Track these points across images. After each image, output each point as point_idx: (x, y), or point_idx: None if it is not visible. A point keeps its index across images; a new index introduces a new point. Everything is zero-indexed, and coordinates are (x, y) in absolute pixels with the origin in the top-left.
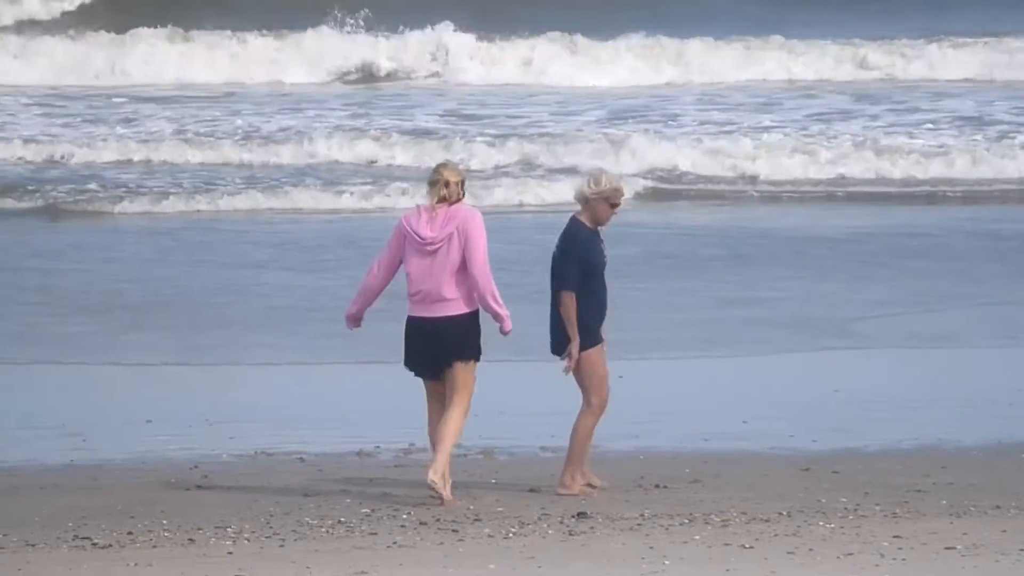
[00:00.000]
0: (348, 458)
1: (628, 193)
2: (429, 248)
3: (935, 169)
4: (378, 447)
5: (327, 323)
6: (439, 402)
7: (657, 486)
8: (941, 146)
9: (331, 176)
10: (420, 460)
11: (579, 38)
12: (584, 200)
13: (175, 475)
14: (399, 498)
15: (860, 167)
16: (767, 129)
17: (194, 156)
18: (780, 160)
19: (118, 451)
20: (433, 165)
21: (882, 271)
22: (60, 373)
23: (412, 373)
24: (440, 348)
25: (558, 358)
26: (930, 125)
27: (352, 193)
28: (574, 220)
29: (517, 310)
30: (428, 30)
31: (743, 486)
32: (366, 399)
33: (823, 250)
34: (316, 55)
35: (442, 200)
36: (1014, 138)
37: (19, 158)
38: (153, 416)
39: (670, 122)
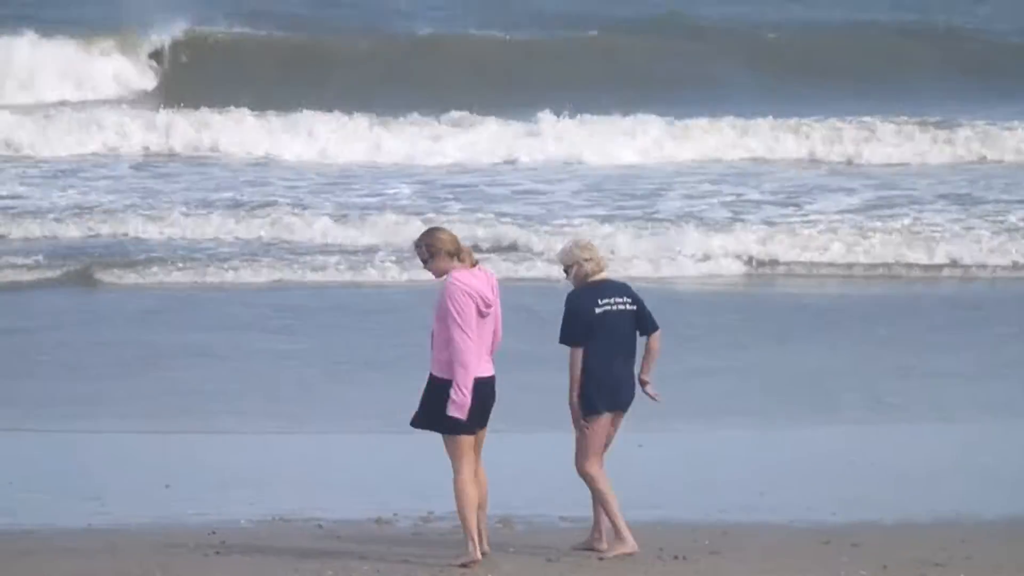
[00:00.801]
0: (366, 525)
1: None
2: (487, 311)
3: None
4: (396, 515)
5: (345, 390)
6: (474, 455)
7: (676, 557)
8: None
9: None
10: (438, 528)
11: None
12: None
13: (193, 540)
14: (416, 566)
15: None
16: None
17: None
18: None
19: (136, 515)
20: (427, 232)
21: (903, 343)
22: (79, 437)
23: (463, 433)
24: (491, 405)
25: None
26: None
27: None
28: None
29: (537, 379)
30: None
31: (762, 558)
32: (384, 466)
33: (845, 321)
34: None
35: (475, 263)
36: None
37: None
38: (171, 481)
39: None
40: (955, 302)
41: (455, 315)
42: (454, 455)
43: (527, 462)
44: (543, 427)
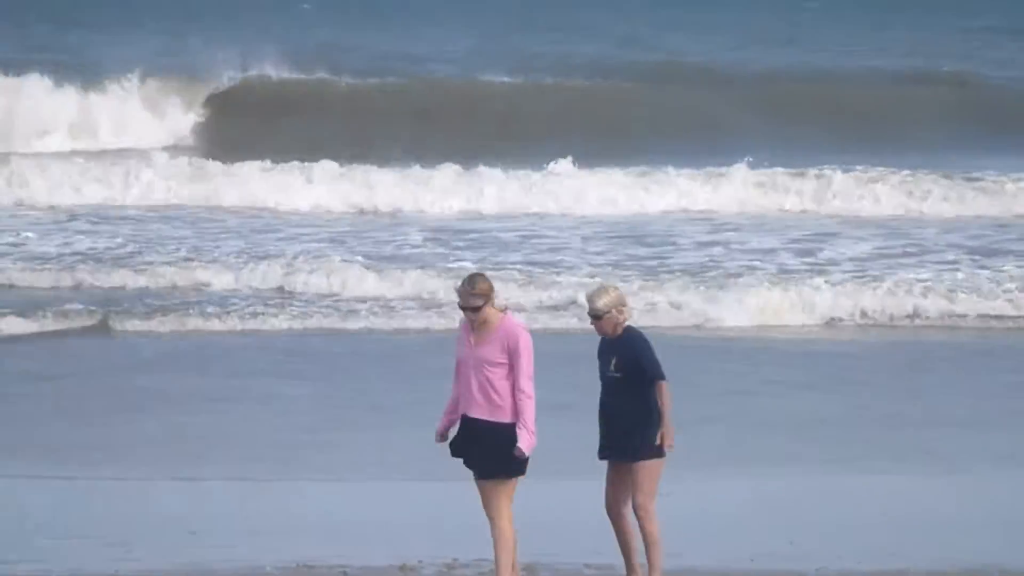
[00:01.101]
0: (391, 572)
1: None
2: None
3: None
4: (421, 562)
5: (368, 437)
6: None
7: None
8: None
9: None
10: (463, 575)
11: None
12: None
13: None
14: None
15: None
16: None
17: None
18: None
19: (162, 562)
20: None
21: (937, 392)
22: (105, 484)
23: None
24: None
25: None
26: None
27: None
28: None
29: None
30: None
31: None
32: (408, 513)
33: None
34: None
35: None
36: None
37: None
38: (196, 527)
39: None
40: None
41: (530, 363)
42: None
43: (551, 509)
44: (566, 474)
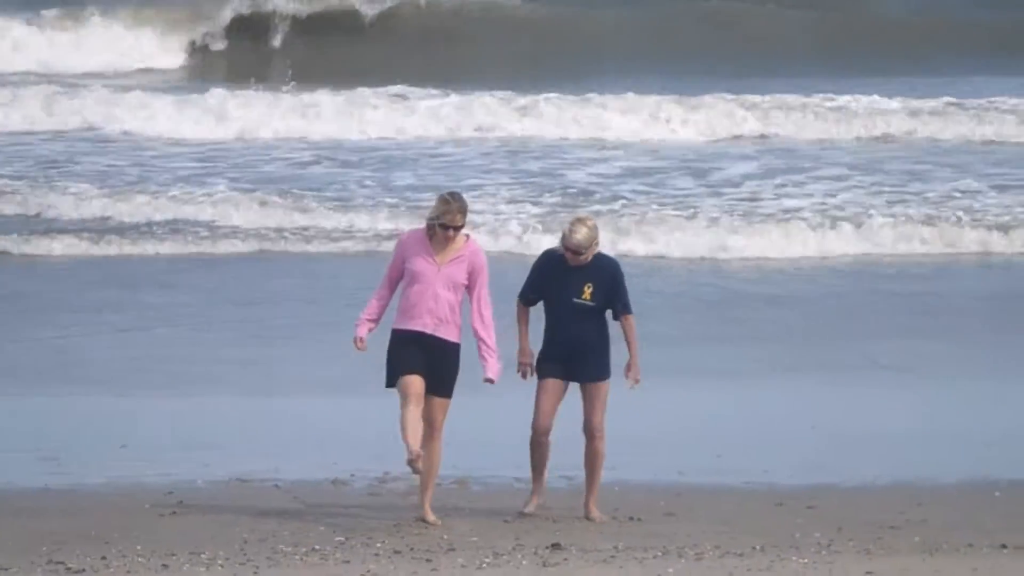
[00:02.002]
0: (323, 486)
1: None
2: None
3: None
4: (353, 475)
5: (300, 353)
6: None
7: (631, 518)
8: None
9: None
10: (394, 489)
11: None
12: None
13: (150, 500)
14: (373, 526)
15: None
16: None
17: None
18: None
19: (93, 476)
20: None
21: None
22: (35, 398)
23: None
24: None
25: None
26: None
27: None
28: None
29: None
30: None
31: (717, 520)
32: (341, 428)
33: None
34: None
35: None
36: None
37: None
38: (128, 441)
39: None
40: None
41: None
42: None
43: (481, 425)
44: (498, 390)
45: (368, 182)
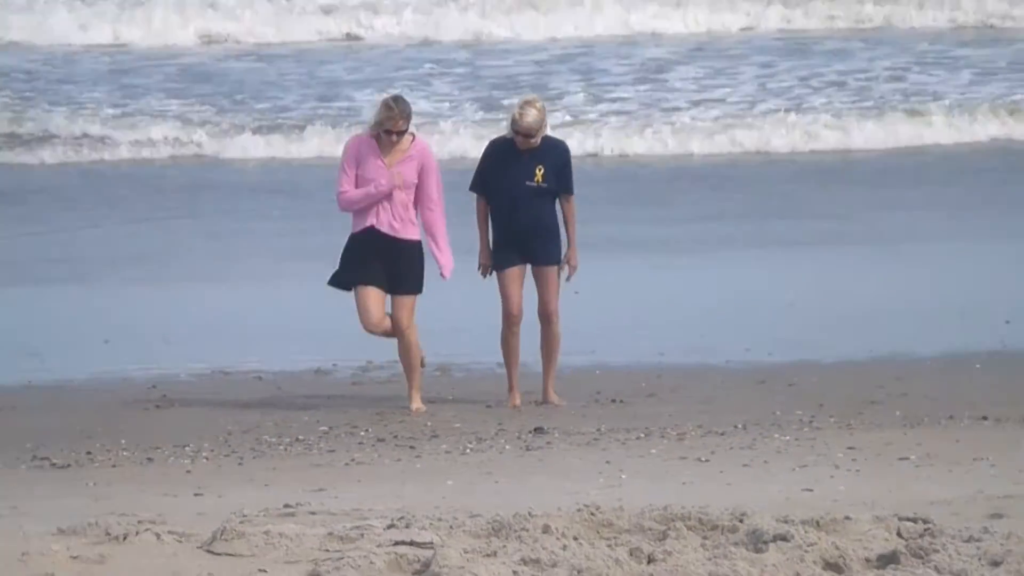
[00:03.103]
0: (306, 376)
1: None
2: None
3: None
4: (335, 365)
5: (284, 240)
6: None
7: (613, 401)
8: None
9: None
10: (377, 377)
11: None
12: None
13: (133, 395)
14: (356, 416)
15: None
16: None
17: None
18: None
19: (76, 371)
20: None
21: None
22: (16, 293)
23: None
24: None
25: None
26: None
27: None
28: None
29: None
30: None
31: (699, 400)
32: (323, 318)
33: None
34: None
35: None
36: None
37: None
38: (111, 336)
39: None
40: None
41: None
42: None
43: (461, 311)
44: (476, 277)
45: None
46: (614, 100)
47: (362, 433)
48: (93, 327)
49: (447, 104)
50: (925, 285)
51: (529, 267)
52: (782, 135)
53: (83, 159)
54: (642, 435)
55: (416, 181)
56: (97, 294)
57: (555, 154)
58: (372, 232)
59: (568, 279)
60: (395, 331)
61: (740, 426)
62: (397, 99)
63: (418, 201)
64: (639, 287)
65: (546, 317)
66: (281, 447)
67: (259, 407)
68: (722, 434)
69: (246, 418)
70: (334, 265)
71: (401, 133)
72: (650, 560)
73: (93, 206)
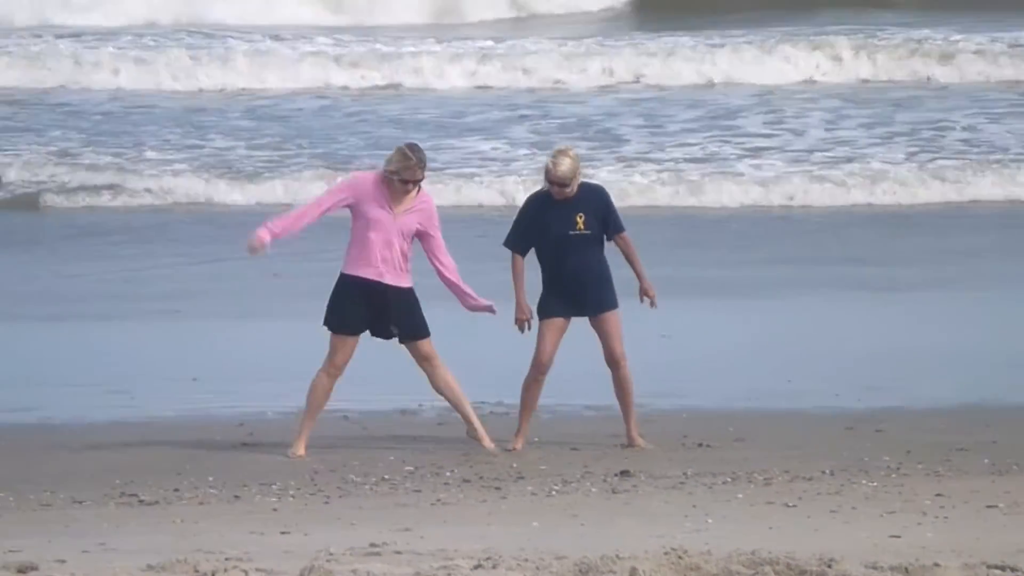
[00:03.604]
0: (392, 416)
1: None
2: None
3: None
4: (421, 405)
5: None
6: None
7: (700, 444)
8: None
9: None
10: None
11: None
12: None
13: (221, 432)
14: (442, 456)
15: None
16: None
17: None
18: None
19: (164, 408)
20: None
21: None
22: (105, 329)
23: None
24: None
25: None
26: None
27: None
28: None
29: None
30: None
31: (787, 445)
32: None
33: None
34: None
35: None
36: None
37: None
38: (199, 374)
39: None
40: None
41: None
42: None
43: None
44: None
45: None
46: (687, 146)
47: (448, 474)
48: (182, 364)
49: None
50: (1015, 332)
51: (587, 319)
52: (872, 182)
53: (164, 201)
54: (728, 480)
55: (416, 231)
56: (186, 331)
57: (594, 199)
58: (372, 283)
59: (652, 307)
60: (430, 368)
61: (827, 472)
62: (414, 148)
63: (430, 255)
64: (726, 331)
65: (614, 362)
66: (367, 487)
67: (345, 447)
68: (809, 480)
69: (332, 457)
70: (426, 304)
71: (417, 183)
72: None
73: (197, 244)
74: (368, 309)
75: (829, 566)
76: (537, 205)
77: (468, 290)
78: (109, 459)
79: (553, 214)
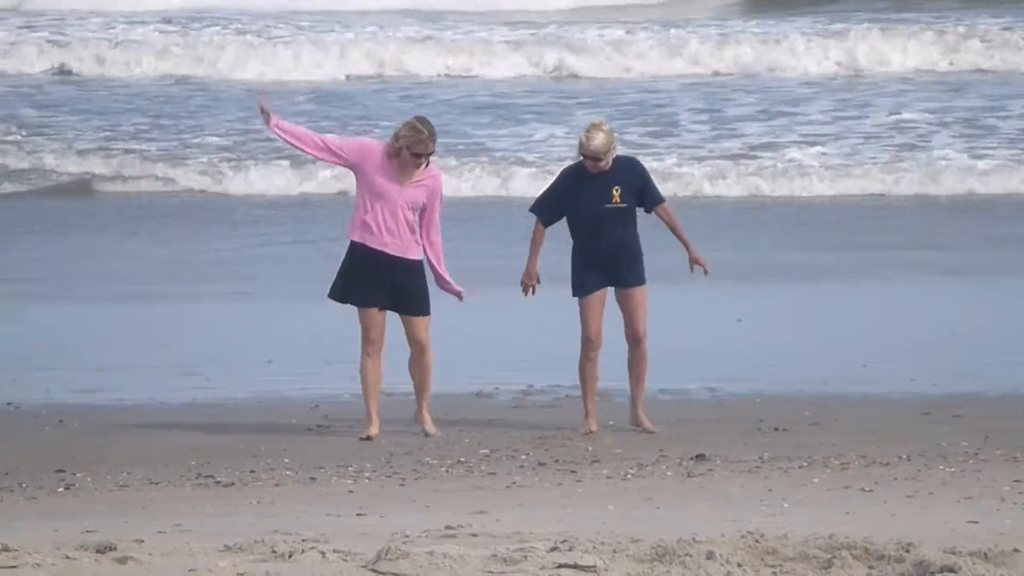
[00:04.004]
0: (467, 399)
1: None
2: None
3: None
4: (497, 388)
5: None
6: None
7: (776, 429)
8: None
9: None
10: (538, 401)
11: None
12: None
13: (296, 414)
14: (518, 439)
15: None
16: None
17: None
18: None
19: (238, 390)
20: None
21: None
22: (181, 311)
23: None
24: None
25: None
26: None
27: None
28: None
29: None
30: None
31: (863, 430)
32: (485, 340)
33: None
34: None
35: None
36: None
37: None
38: (273, 356)
39: None
40: None
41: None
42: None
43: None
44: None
45: None
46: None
47: (523, 457)
48: (255, 346)
49: None
50: None
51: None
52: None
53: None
54: (804, 464)
55: (423, 203)
56: (260, 313)
57: (629, 172)
58: (376, 252)
59: (706, 274)
60: (416, 348)
61: (904, 457)
62: (424, 121)
63: (421, 229)
64: (800, 316)
65: (635, 338)
66: (443, 469)
67: (421, 429)
68: (886, 465)
69: (408, 440)
70: (501, 285)
71: (429, 156)
72: None
73: (264, 226)
74: (374, 280)
75: (907, 551)
76: (572, 178)
77: (444, 273)
78: (184, 440)
79: (589, 188)
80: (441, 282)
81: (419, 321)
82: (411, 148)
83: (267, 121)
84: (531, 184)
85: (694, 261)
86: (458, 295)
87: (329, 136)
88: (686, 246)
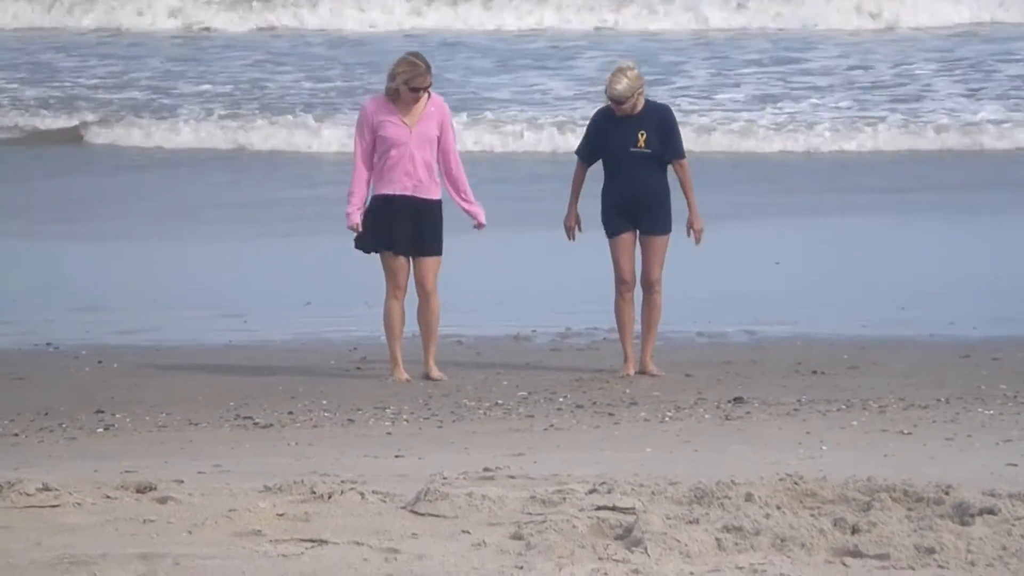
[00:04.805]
0: (505, 341)
1: None
2: None
3: None
4: (535, 331)
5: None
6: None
7: (814, 372)
8: None
9: None
10: (576, 344)
11: None
12: None
13: (334, 357)
14: (555, 381)
15: None
16: None
17: None
18: None
19: (278, 332)
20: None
21: None
22: (220, 252)
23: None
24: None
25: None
26: None
27: None
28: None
29: None
30: None
31: (901, 373)
32: (523, 283)
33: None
34: None
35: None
36: None
37: None
38: (312, 298)
39: None
40: None
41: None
42: None
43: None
44: (677, 245)
45: None
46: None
47: (561, 399)
48: (295, 289)
49: None
50: None
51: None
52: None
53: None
54: (843, 407)
55: (436, 136)
56: (300, 255)
57: (657, 118)
58: (397, 196)
59: (697, 243)
60: (422, 294)
61: (943, 400)
62: (418, 55)
63: (439, 157)
64: (839, 258)
65: (648, 285)
66: (480, 411)
67: (459, 371)
68: (924, 407)
69: (445, 383)
70: (545, 230)
71: (427, 88)
72: (854, 531)
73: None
74: (396, 224)
75: (947, 493)
76: (602, 119)
77: (468, 195)
78: (223, 382)
79: (616, 130)
80: (462, 204)
81: (428, 261)
82: (409, 83)
83: (356, 226)
84: None
85: (690, 225)
86: (477, 220)
87: (358, 157)
88: (689, 207)
